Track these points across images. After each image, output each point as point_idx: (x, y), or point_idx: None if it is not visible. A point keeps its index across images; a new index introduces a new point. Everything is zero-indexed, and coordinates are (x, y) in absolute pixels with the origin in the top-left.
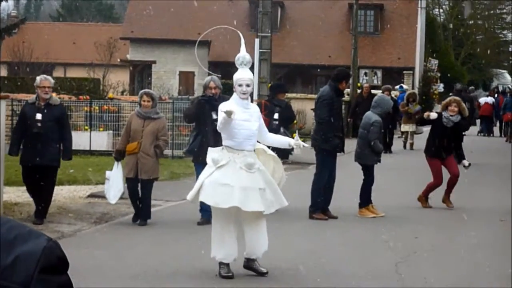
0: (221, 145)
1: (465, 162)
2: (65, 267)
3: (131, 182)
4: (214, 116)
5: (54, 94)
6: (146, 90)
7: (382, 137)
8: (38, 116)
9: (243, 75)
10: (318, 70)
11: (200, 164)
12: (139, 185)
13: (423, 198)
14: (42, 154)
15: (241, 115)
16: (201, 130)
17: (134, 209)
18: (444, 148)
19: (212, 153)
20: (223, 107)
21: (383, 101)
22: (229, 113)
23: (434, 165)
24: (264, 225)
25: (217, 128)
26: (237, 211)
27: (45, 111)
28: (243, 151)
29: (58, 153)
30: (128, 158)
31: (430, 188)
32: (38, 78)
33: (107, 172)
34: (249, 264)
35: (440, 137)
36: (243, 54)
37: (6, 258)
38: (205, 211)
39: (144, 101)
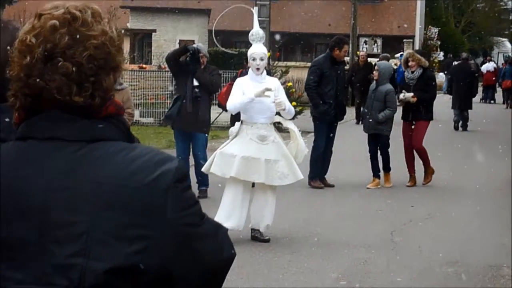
0: (199, 112)
1: (402, 96)
2: (188, 178)
3: None
4: (195, 83)
5: None
6: None
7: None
8: None
9: (256, 50)
10: (314, 38)
11: (177, 130)
12: None
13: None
14: None
15: (255, 89)
16: (181, 94)
17: None
18: (413, 109)
19: (232, 127)
20: (257, 92)
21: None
22: (263, 92)
23: (403, 127)
24: (272, 199)
25: (231, 108)
26: (248, 182)
27: None
28: (255, 123)
29: None
30: None
31: (406, 158)
32: None
33: None
34: (253, 234)
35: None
36: (256, 30)
37: (153, 174)
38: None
39: None
